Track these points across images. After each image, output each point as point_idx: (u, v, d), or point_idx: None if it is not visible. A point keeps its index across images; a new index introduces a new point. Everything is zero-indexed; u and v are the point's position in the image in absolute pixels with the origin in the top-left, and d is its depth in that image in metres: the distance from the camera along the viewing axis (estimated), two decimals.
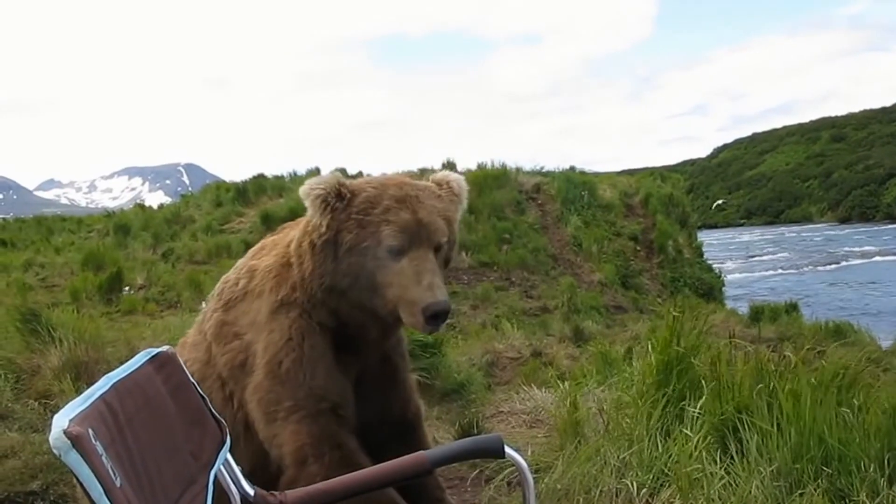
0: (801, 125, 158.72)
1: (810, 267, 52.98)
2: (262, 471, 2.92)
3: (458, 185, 3.03)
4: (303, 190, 2.83)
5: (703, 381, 3.76)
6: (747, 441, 3.31)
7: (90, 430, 1.51)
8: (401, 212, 2.75)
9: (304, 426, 2.80)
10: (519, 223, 20.37)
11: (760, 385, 3.47)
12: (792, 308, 17.03)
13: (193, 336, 3.21)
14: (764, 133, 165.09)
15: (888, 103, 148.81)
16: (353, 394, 2.96)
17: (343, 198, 2.78)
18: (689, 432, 3.46)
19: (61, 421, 1.47)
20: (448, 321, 2.84)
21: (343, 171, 23.04)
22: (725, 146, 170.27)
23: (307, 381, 2.83)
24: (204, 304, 3.52)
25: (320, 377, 2.85)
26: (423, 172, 23.20)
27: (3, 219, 35.16)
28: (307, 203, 2.80)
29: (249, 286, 3.09)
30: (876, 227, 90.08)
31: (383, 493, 2.67)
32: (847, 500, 3.02)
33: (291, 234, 3.07)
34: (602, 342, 7.85)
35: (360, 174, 23.75)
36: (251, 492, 2.16)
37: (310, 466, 2.72)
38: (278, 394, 2.83)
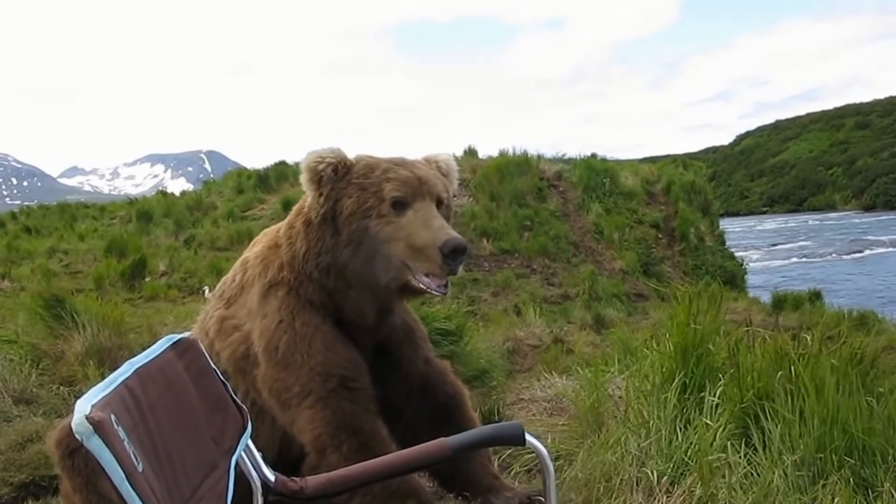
0: (825, 112, 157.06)
1: (834, 255, 52.51)
2: (278, 457, 2.95)
3: (446, 165, 3.08)
4: (302, 163, 2.87)
5: (721, 368, 3.72)
6: (769, 430, 3.28)
7: (112, 416, 1.51)
8: (400, 170, 2.82)
9: (317, 412, 2.80)
10: (540, 210, 20.26)
11: (781, 372, 3.43)
12: (815, 297, 16.90)
13: (195, 335, 3.26)
14: (787, 120, 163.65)
15: None
16: (363, 361, 2.95)
17: (340, 169, 2.83)
18: (708, 421, 3.43)
19: (83, 406, 1.47)
20: (465, 264, 2.83)
21: None
22: (748, 133, 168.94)
23: (306, 360, 2.84)
24: (207, 291, 3.54)
25: (318, 353, 2.85)
26: None
27: (28, 206, 35.46)
28: (304, 177, 2.86)
29: (244, 278, 3.14)
30: None
31: (403, 479, 2.68)
32: (871, 491, 2.98)
33: (282, 222, 3.12)
34: (623, 329, 7.80)
35: None
36: (272, 478, 2.16)
37: (329, 456, 2.74)
38: (284, 381, 2.85)
